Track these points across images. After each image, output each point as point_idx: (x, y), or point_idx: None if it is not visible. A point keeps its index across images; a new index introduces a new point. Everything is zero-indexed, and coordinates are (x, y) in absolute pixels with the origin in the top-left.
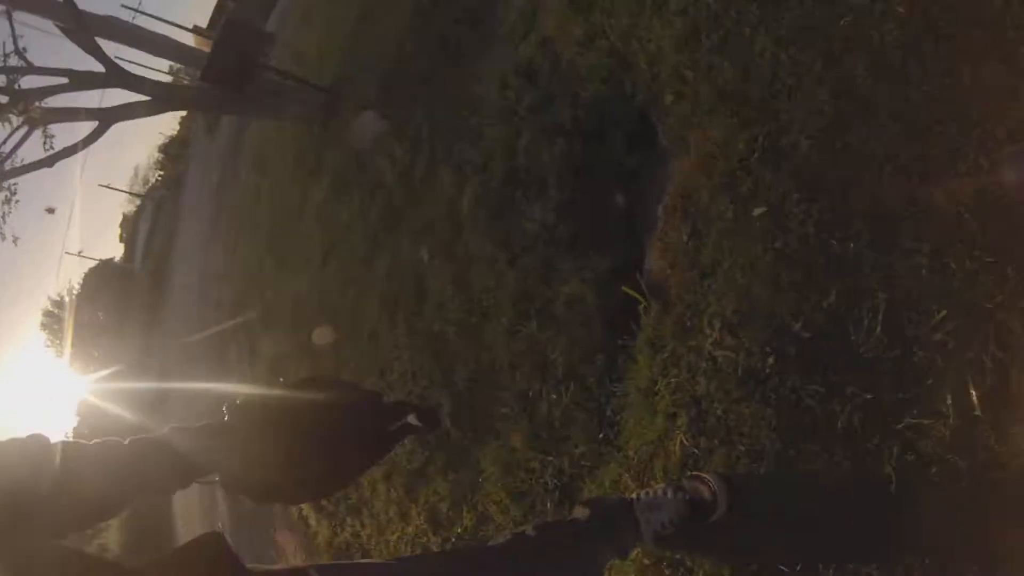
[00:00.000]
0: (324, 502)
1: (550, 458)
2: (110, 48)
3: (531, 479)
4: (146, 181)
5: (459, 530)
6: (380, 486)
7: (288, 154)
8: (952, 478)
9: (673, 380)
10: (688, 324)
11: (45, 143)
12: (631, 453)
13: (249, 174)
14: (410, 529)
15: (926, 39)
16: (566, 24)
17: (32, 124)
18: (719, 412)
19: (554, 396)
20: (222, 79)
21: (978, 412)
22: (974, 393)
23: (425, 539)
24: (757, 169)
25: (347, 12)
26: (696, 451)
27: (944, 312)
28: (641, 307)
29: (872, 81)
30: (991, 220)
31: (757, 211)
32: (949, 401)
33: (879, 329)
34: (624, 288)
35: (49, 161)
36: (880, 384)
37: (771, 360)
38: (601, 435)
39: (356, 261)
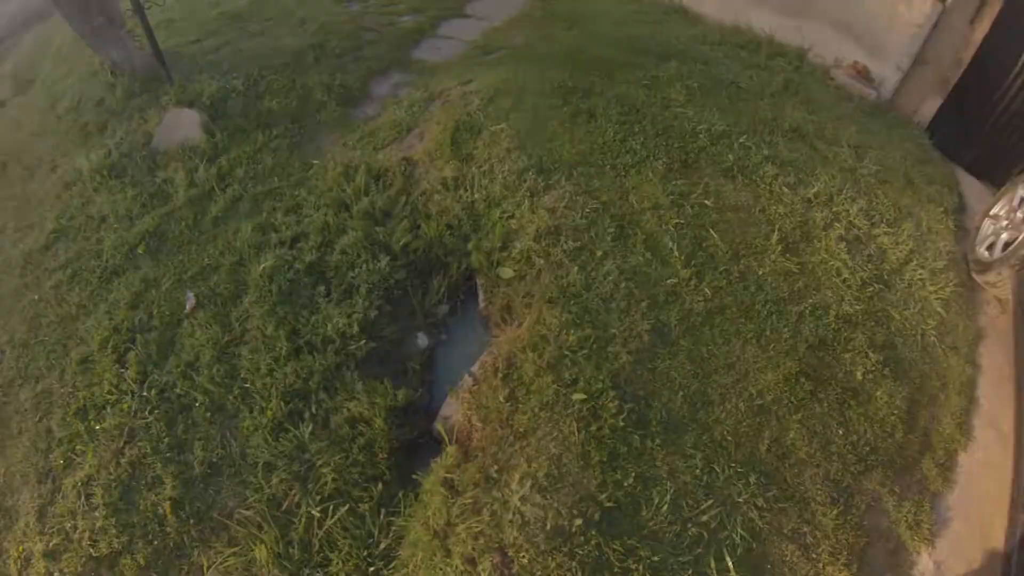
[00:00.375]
0: None
1: None
2: None
3: None
4: None
5: None
6: (39, 564)
7: (71, 89)
8: None
9: (475, 526)
10: (494, 477)
11: None
12: None
13: (4, 81)
14: None
15: (716, 317)
16: (439, 159)
17: None
18: (525, 561)
19: (317, 513)
20: None
21: (732, 573)
22: (729, 559)
23: None
24: (583, 363)
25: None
26: None
27: (710, 501)
28: (444, 450)
29: (679, 333)
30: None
31: (577, 396)
32: (712, 565)
33: (665, 508)
34: (437, 425)
35: None
36: (664, 549)
37: (578, 521)
38: (372, 568)
39: (95, 263)
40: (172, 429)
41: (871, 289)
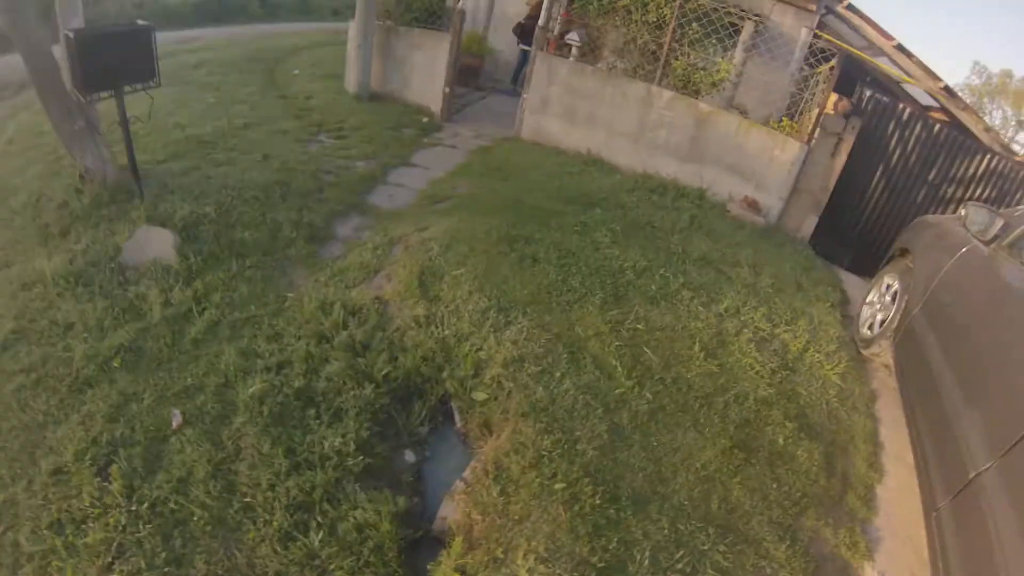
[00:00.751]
0: None
1: None
2: None
3: None
4: None
5: None
6: None
7: (28, 185)
8: None
9: None
10: (501, 557)
11: None
12: None
13: None
14: None
15: (658, 414)
16: (408, 299)
17: None
18: None
19: None
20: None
21: None
22: None
23: None
24: (558, 460)
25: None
26: None
27: (681, 552)
28: (450, 543)
29: (631, 429)
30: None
31: (558, 486)
32: None
33: (647, 562)
34: (447, 522)
35: None
36: None
37: None
38: None
39: (63, 371)
40: (168, 543)
41: (780, 375)
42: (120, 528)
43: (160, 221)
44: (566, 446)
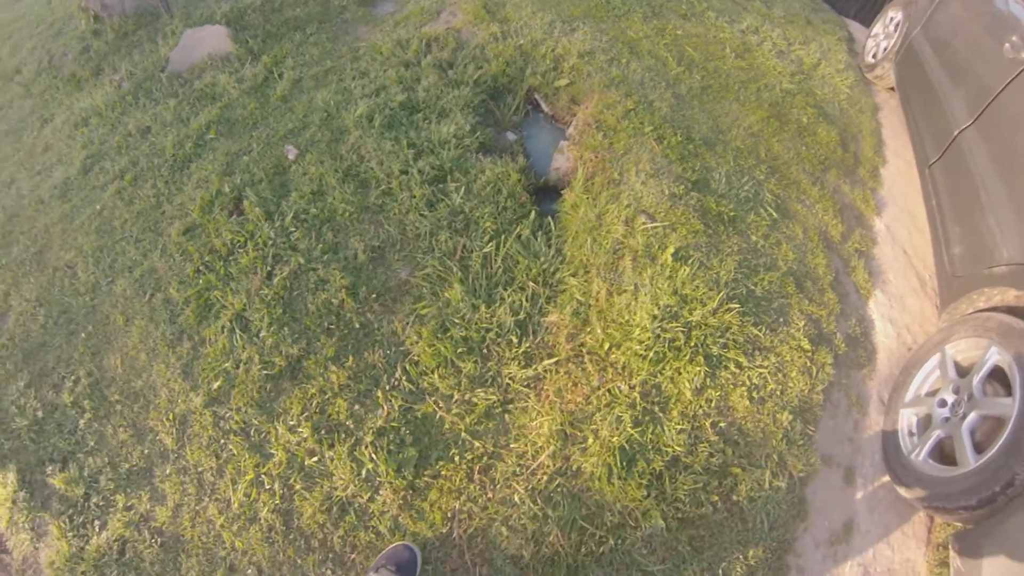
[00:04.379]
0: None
1: (502, 295)
2: None
3: (479, 325)
4: None
5: (380, 422)
6: (203, 416)
7: (30, 57)
8: None
9: (623, 203)
10: (616, 178)
11: None
12: (577, 266)
13: None
14: (277, 457)
15: (707, 90)
16: (479, 24)
17: None
18: (660, 214)
19: (488, 250)
20: None
21: (774, 214)
22: (769, 207)
23: (315, 459)
24: (642, 113)
25: None
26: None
27: (746, 178)
28: (570, 179)
29: (689, 98)
30: None
31: (647, 129)
32: (761, 211)
33: (724, 180)
34: (558, 168)
35: None
36: (731, 204)
37: (680, 188)
38: (550, 262)
39: (158, 161)
40: (321, 238)
41: (798, 77)
42: (270, 243)
43: (201, 24)
44: (645, 105)
